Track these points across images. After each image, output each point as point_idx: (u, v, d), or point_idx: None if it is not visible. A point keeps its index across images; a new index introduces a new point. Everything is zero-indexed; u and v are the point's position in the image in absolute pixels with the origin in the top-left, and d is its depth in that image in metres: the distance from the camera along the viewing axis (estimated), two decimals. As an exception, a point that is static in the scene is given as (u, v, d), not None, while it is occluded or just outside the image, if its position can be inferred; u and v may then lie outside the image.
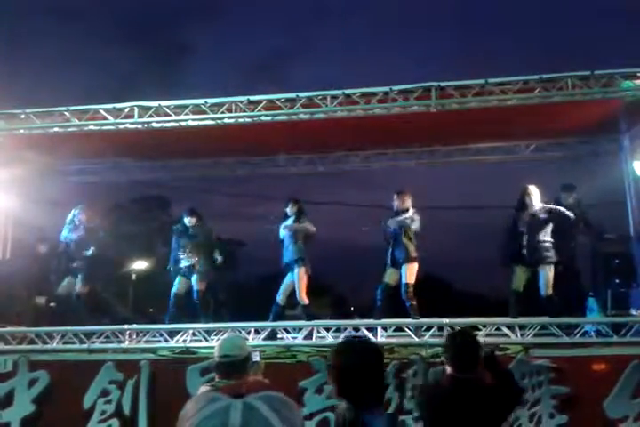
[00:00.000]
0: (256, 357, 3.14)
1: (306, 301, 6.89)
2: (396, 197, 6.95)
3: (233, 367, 3.03)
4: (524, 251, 6.50)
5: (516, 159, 8.25)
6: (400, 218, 6.82)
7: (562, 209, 6.61)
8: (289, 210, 7.18)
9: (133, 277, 17.21)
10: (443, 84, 6.27)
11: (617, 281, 7.10)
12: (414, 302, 6.65)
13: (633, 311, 6.40)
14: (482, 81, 6.19)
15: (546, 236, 6.50)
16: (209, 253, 7.44)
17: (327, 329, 6.38)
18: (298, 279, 6.89)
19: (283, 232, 7.14)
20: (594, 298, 6.94)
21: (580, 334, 5.88)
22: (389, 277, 6.84)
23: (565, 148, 7.98)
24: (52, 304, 8.14)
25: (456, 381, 3.10)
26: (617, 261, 7.19)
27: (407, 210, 6.86)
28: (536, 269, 6.47)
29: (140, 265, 17.29)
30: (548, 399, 5.34)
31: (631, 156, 7.45)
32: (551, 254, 6.42)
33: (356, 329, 6.52)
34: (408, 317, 6.65)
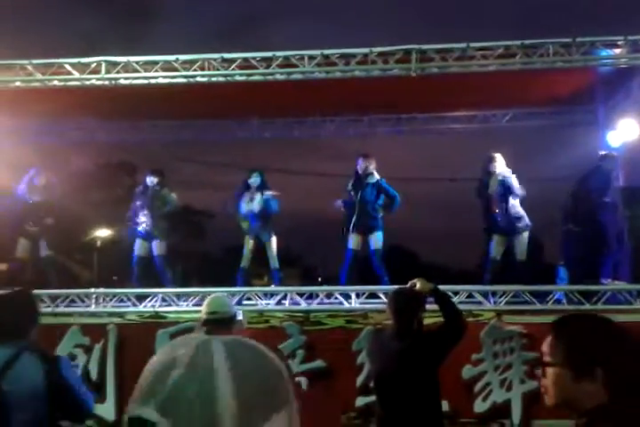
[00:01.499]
0: (239, 315, 3.16)
1: (277, 265, 6.92)
2: (362, 160, 6.85)
3: (220, 324, 3.03)
4: (499, 220, 6.52)
5: (493, 128, 8.24)
6: (374, 182, 6.75)
7: (510, 182, 6.61)
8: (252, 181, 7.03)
9: (98, 244, 16.84)
10: (424, 47, 6.12)
11: (587, 251, 7.17)
12: (384, 268, 6.68)
13: (603, 280, 6.48)
14: (463, 45, 6.07)
15: (516, 203, 6.55)
16: (168, 217, 7.22)
17: (300, 295, 6.30)
18: (272, 245, 6.84)
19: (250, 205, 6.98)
20: (564, 267, 7.02)
21: (552, 301, 5.94)
22: (356, 243, 6.81)
23: (542, 117, 7.99)
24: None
25: (394, 328, 3.54)
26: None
27: (373, 174, 6.80)
28: (512, 236, 6.51)
29: (105, 232, 16.90)
30: (519, 365, 5.39)
31: (606, 126, 7.48)
32: (525, 222, 6.50)
33: (329, 295, 6.47)
34: (376, 283, 6.63)
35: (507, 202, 6.53)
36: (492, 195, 6.62)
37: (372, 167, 6.84)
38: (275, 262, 7.01)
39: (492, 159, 6.70)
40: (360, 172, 6.84)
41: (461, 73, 6.20)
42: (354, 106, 7.72)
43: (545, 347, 1.55)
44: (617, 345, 1.48)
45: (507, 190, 6.54)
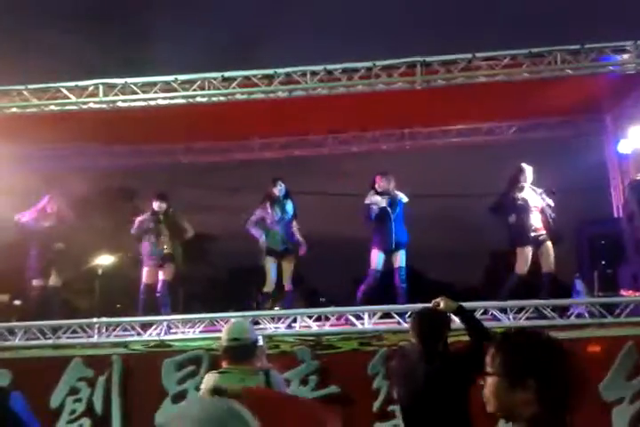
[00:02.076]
0: (260, 341, 2.96)
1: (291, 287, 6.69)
2: (380, 177, 6.62)
3: (242, 351, 2.88)
4: (532, 231, 6.24)
5: (498, 141, 8.10)
6: (405, 200, 6.55)
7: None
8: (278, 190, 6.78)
9: (100, 271, 16.62)
10: (428, 59, 6.00)
11: (603, 262, 6.98)
12: (406, 286, 6.45)
13: (622, 292, 6.26)
14: (469, 55, 5.95)
15: (553, 214, 6.34)
16: (179, 242, 7.00)
17: (309, 317, 6.07)
18: (293, 262, 6.70)
19: (277, 212, 6.70)
20: (580, 280, 6.80)
21: (573, 315, 5.71)
22: (382, 263, 6.56)
23: (548, 128, 7.84)
24: (16, 302, 7.65)
25: (420, 350, 3.34)
26: (602, 242, 7.08)
27: (394, 192, 6.59)
28: (541, 248, 6.25)
29: (106, 260, 16.70)
30: (544, 384, 5.14)
31: (614, 135, 7.34)
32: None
33: (341, 316, 6.23)
34: (388, 302, 6.38)
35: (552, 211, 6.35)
36: (525, 205, 6.33)
37: (394, 185, 6.64)
38: (289, 282, 6.69)
39: (522, 170, 6.47)
40: (381, 190, 6.56)
41: (467, 84, 6.07)
42: (358, 121, 7.58)
43: (487, 359, 1.65)
44: (550, 358, 1.57)
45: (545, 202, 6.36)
